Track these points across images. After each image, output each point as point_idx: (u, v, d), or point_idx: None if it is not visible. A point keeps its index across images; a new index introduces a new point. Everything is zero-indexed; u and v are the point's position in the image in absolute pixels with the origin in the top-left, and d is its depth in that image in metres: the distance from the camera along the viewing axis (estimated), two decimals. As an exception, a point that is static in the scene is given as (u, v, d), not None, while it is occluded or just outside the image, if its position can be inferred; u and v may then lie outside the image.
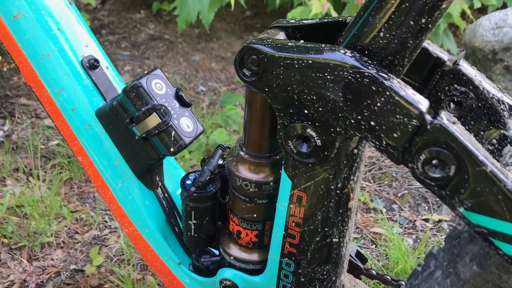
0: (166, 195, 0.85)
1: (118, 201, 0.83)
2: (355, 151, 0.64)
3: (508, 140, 0.61)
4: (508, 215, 0.52)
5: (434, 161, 0.54)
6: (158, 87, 0.77)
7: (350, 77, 0.56)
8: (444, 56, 0.65)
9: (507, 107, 0.63)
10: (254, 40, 0.62)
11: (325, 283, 0.74)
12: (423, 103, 0.54)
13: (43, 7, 0.78)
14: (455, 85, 0.64)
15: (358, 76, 0.55)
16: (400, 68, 0.58)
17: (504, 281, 0.60)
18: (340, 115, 0.58)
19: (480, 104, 0.63)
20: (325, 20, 0.67)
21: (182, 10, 2.11)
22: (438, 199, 2.05)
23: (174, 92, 0.79)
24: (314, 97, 0.59)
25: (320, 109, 0.59)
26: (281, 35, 0.67)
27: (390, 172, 2.07)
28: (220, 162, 0.82)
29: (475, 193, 0.53)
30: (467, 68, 0.64)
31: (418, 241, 1.73)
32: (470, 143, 0.52)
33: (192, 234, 0.81)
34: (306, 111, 0.61)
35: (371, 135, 0.57)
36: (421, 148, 0.54)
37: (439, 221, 1.84)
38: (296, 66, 0.59)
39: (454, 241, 0.67)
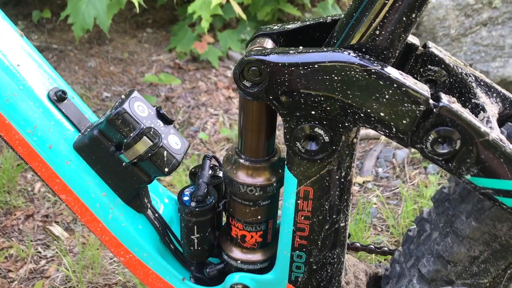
0: (156, 215, 0.85)
1: (111, 232, 0.81)
2: (354, 140, 0.69)
3: (480, 107, 0.70)
4: (510, 174, 0.60)
5: (441, 139, 0.60)
6: (141, 109, 0.76)
7: (357, 76, 0.60)
8: (416, 41, 0.71)
9: (473, 78, 0.72)
10: (252, 52, 0.64)
11: (335, 265, 0.79)
12: (425, 89, 0.60)
13: (-4, 45, 0.73)
14: (429, 66, 0.71)
15: (365, 73, 0.60)
16: (393, 60, 0.63)
17: (499, 229, 0.69)
18: (349, 111, 0.63)
19: (452, 80, 0.71)
20: (307, 23, 0.70)
21: (77, 18, 2.02)
22: (358, 162, 2.19)
23: (155, 112, 0.78)
24: (322, 98, 0.63)
25: (328, 108, 0.63)
26: (269, 43, 0.69)
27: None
28: (210, 172, 0.83)
29: (480, 160, 0.60)
30: (436, 49, 0.71)
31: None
32: (471, 118, 0.59)
33: (196, 248, 0.82)
34: (313, 112, 0.64)
35: (380, 125, 0.62)
36: (429, 130, 0.60)
37: (364, 182, 1.98)
38: (302, 71, 0.62)
39: (445, 203, 0.76)
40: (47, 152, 0.76)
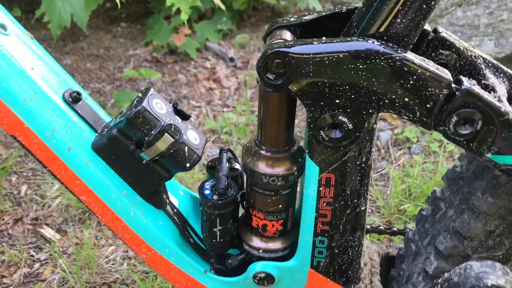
0: (175, 210, 0.85)
1: (133, 230, 0.81)
2: (374, 125, 0.71)
3: (490, 87, 0.72)
4: (528, 150, 0.63)
5: (462, 121, 0.63)
6: (159, 106, 0.76)
7: (382, 64, 0.62)
8: (427, 27, 0.74)
9: (482, 60, 0.74)
10: (275, 45, 0.65)
11: (356, 248, 0.81)
12: (447, 74, 0.62)
13: (8, 49, 0.72)
14: (440, 50, 0.73)
15: (390, 61, 0.62)
16: (411, 46, 0.65)
17: (513, 203, 0.73)
18: (373, 98, 0.65)
19: (462, 63, 0.74)
20: (323, 14, 0.72)
21: (53, 16, 1.98)
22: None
23: (172, 108, 0.79)
24: (347, 87, 0.64)
25: (353, 96, 0.65)
26: (288, 34, 0.70)
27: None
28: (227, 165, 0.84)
29: (501, 139, 0.63)
30: (446, 33, 0.74)
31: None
32: (492, 99, 0.62)
33: (218, 240, 0.83)
34: (337, 101, 0.66)
35: (404, 110, 0.64)
36: (451, 112, 0.63)
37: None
38: (327, 62, 0.63)
39: (459, 182, 0.79)
40: (66, 154, 0.75)
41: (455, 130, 0.64)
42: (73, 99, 0.77)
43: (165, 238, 0.83)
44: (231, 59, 2.56)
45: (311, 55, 0.63)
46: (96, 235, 1.65)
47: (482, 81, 0.74)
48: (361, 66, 0.63)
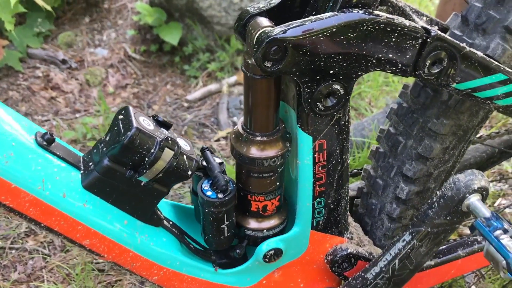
0: (171, 222, 0.83)
1: (143, 256, 0.77)
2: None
3: None
4: (481, 73, 0.77)
5: (433, 62, 0.74)
6: (147, 123, 0.72)
7: (369, 29, 0.68)
8: None
9: (409, 8, 0.85)
10: (269, 33, 0.66)
11: (347, 198, 0.89)
12: (418, 25, 0.71)
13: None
14: (379, 6, 0.82)
15: (375, 25, 0.68)
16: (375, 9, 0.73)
17: (461, 119, 0.87)
18: (363, 61, 0.71)
19: (396, 14, 0.84)
20: (287, -6, 0.75)
21: None
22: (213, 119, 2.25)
23: (154, 120, 0.75)
24: (340, 57, 0.69)
25: (345, 64, 0.70)
26: (266, 21, 0.72)
27: (160, 117, 2.15)
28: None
29: (462, 69, 0.76)
30: (380, -10, 0.83)
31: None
32: (452, 39, 0.73)
33: (226, 235, 0.83)
34: (331, 71, 0.71)
35: (389, 65, 0.72)
36: (425, 57, 0.73)
37: (227, 134, 2.09)
38: (321, 38, 0.67)
39: (412, 115, 0.91)
40: (63, 202, 0.68)
41: (428, 71, 0.74)
42: (48, 141, 0.69)
43: (173, 252, 0.81)
44: (63, 61, 2.39)
45: (307, 35, 0.67)
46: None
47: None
48: (351, 35, 0.68)
